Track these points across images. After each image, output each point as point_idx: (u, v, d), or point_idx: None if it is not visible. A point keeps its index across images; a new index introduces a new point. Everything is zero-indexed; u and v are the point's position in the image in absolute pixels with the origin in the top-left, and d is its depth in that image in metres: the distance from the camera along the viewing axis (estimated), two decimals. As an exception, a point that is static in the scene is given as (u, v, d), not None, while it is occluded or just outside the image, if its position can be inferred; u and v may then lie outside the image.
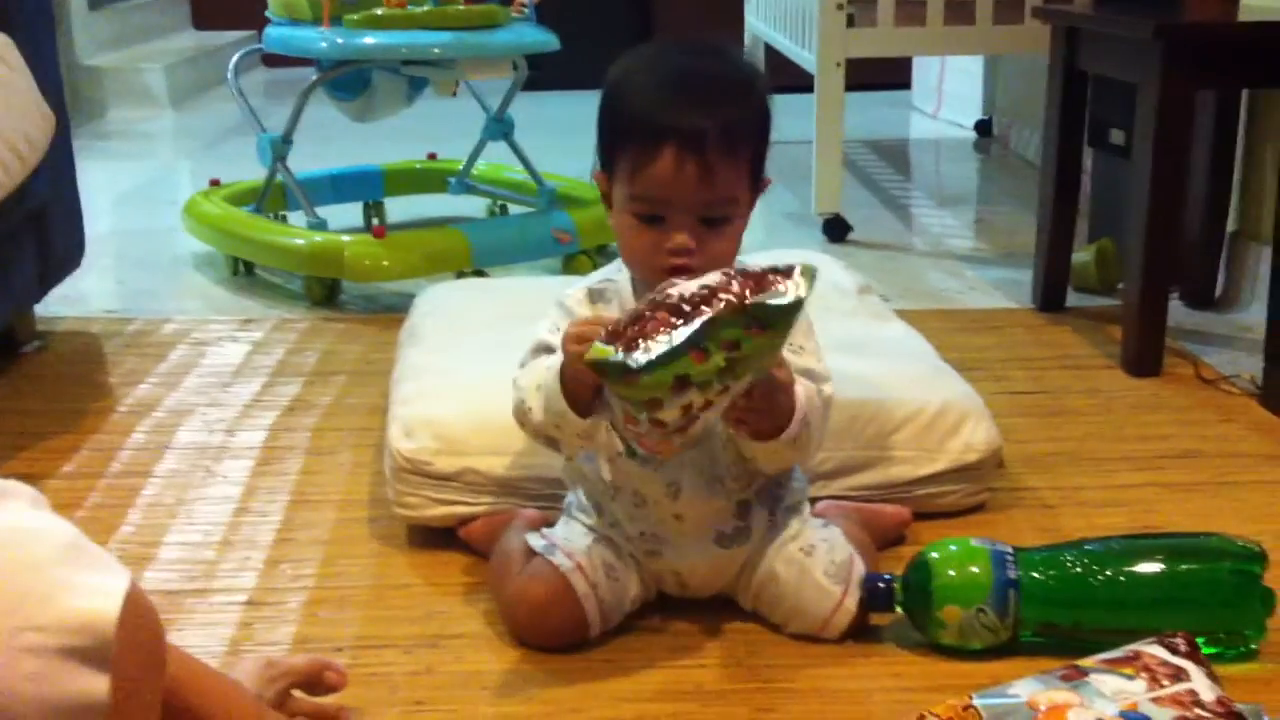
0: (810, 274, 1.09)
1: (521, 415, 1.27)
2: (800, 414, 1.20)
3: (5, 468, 1.66)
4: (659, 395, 1.07)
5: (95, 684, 0.68)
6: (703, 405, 1.09)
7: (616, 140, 1.25)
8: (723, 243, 1.23)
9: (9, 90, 1.83)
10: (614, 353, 1.07)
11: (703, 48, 1.29)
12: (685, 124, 1.19)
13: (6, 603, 0.67)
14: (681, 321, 1.07)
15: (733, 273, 1.10)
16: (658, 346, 1.06)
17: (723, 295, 1.07)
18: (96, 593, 0.69)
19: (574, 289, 1.32)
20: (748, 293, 1.07)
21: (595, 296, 1.31)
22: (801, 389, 1.21)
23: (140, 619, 0.72)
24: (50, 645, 0.67)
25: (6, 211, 1.82)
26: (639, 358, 1.06)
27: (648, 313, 1.09)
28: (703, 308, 1.07)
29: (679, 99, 1.21)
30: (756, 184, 1.26)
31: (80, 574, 0.70)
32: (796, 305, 1.08)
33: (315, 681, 1.12)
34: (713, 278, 1.10)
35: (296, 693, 1.10)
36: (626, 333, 1.08)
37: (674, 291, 1.09)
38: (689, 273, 1.18)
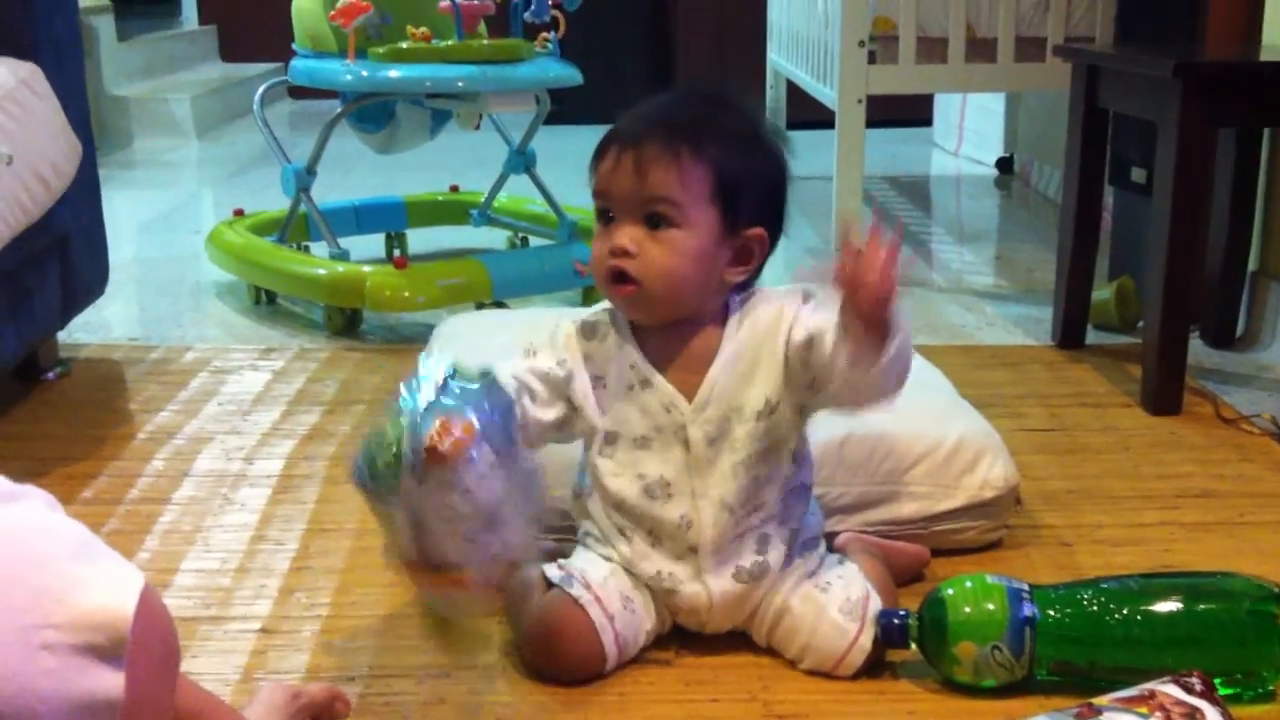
0: None
1: None
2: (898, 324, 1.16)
3: (25, 493, 1.67)
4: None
5: (110, 681, 0.68)
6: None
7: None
8: (662, 250, 1.23)
9: (36, 119, 1.85)
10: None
11: (710, 95, 1.31)
12: (631, 126, 1.26)
13: (23, 600, 0.67)
14: None
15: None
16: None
17: None
18: (111, 590, 0.70)
19: (569, 321, 1.32)
20: None
21: (588, 331, 1.31)
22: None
23: (154, 617, 0.72)
24: (67, 642, 0.67)
25: (31, 239, 1.84)
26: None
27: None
28: None
29: (638, 112, 1.28)
30: (729, 208, 1.24)
31: (94, 571, 0.70)
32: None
33: (327, 711, 1.12)
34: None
35: (309, 721, 1.11)
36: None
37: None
38: (627, 280, 1.23)
